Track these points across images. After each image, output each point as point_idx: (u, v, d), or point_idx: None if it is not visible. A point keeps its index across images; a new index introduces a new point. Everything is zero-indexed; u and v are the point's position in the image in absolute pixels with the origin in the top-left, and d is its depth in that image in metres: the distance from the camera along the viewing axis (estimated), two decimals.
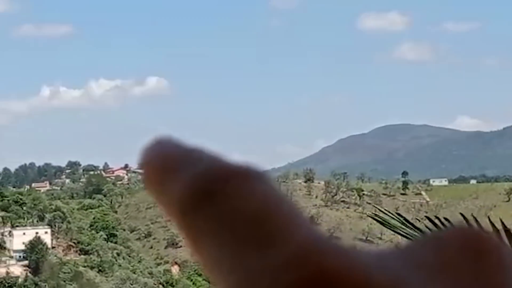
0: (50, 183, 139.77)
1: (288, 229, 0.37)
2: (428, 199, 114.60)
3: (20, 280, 77.87)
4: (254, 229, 0.37)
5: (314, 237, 0.37)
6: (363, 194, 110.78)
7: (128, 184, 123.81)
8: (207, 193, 0.38)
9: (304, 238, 0.36)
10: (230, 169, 0.38)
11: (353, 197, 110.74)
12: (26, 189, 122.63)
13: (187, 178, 0.38)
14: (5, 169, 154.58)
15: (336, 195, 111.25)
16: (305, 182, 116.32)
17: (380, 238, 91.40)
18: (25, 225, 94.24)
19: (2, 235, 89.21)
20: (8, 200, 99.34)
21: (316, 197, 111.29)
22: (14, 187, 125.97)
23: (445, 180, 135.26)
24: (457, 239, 0.38)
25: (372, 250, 0.38)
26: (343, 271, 0.35)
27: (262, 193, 0.37)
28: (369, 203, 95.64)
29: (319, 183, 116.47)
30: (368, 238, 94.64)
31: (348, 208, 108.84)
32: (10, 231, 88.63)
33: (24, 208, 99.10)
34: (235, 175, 0.38)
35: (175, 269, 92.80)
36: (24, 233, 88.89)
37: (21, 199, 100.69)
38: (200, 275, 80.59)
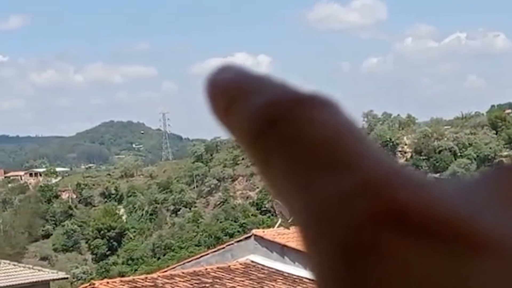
0: None
1: (358, 156, 0.35)
2: None
3: None
4: (323, 154, 0.35)
5: (387, 166, 0.35)
6: None
7: None
8: (275, 119, 0.37)
9: (376, 167, 0.35)
10: (298, 96, 0.38)
11: None
12: None
13: (255, 104, 0.38)
14: None
15: None
16: None
17: None
18: None
19: None
20: None
21: None
22: None
23: None
24: None
25: (446, 181, 0.36)
26: (415, 204, 0.34)
27: (331, 120, 0.37)
28: None
29: None
30: None
31: None
32: None
33: None
34: (304, 101, 0.37)
35: None
36: None
37: None
38: None
